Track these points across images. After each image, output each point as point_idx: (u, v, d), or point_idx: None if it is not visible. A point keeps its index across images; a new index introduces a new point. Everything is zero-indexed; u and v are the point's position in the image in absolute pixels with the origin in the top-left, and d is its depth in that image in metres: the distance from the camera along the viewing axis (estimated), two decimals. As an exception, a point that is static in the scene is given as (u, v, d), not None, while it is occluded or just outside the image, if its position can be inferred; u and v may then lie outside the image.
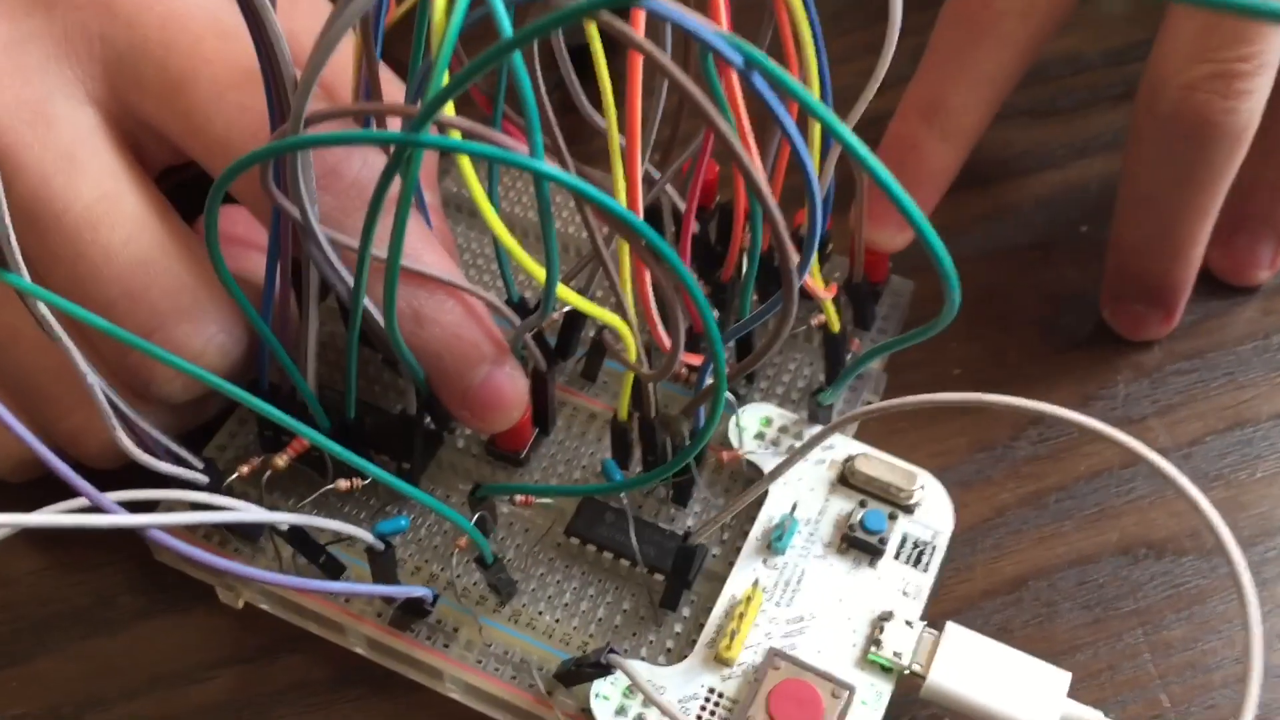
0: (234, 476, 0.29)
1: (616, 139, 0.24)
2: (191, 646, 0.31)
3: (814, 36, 0.26)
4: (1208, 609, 0.31)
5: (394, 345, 0.26)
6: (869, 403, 0.33)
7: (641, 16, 0.21)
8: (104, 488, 0.22)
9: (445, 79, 0.20)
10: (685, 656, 0.28)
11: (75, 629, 0.31)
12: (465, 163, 0.22)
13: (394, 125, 0.28)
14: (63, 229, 0.27)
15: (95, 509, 0.22)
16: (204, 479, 0.28)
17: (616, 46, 0.22)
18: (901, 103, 0.33)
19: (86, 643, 0.31)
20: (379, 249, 0.24)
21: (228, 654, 0.31)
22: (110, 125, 0.28)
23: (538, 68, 0.25)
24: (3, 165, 0.27)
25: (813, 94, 0.21)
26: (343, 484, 0.29)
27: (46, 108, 0.28)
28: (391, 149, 0.22)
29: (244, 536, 0.31)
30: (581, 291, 0.31)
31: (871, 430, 0.33)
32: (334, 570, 0.30)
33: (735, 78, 0.23)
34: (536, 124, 0.19)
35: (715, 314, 0.31)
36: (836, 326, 0.31)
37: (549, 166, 0.19)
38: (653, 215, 0.34)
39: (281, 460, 0.29)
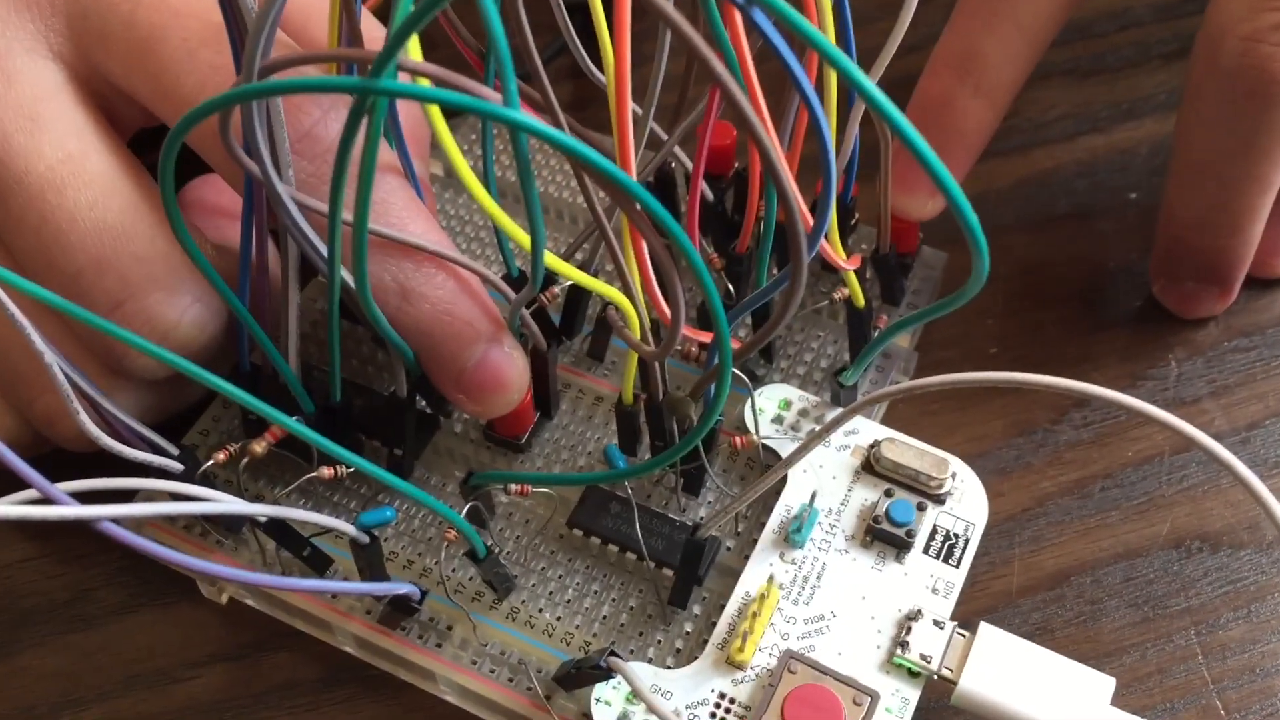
0: (209, 463, 0.27)
1: (615, 97, 0.22)
2: (174, 643, 0.29)
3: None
4: (1267, 607, 0.29)
5: (372, 320, 0.24)
6: (897, 383, 0.31)
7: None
8: (84, 475, 0.21)
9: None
10: (695, 658, 0.26)
11: (52, 624, 0.30)
12: (435, 112, 0.20)
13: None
14: (25, 192, 0.26)
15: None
16: (178, 466, 0.26)
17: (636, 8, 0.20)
18: (932, 57, 0.31)
19: (64, 639, 0.29)
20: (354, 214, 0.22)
21: (211, 651, 0.29)
22: (76, 83, 0.27)
23: (523, 18, 0.23)
24: None
25: (824, 34, 0.19)
26: (326, 471, 0.27)
27: (6, 63, 0.26)
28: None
29: (225, 527, 0.29)
30: (585, 265, 0.29)
31: (901, 413, 0.31)
32: (320, 564, 0.28)
33: (740, 21, 0.21)
34: (508, 65, 0.17)
35: (731, 288, 0.29)
36: (861, 301, 0.29)
37: (523, 115, 0.17)
38: (666, 184, 0.32)
39: (260, 446, 0.27)
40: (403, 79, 0.19)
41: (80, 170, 0.26)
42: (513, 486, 0.27)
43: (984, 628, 0.26)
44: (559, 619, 0.27)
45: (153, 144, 0.29)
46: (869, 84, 0.17)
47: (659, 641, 0.27)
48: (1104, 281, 0.34)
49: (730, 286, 0.30)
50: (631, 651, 0.27)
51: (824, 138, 0.19)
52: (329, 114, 0.25)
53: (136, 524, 0.29)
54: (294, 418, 0.25)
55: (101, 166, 0.26)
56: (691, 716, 0.25)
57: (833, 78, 0.25)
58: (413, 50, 0.19)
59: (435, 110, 0.20)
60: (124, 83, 0.26)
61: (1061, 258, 0.34)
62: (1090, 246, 0.35)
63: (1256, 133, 0.28)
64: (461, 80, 0.18)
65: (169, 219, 0.23)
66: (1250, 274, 0.32)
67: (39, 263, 0.26)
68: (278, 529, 0.27)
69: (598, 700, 0.25)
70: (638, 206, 0.20)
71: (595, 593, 0.28)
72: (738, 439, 0.28)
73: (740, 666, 0.26)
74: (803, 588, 0.27)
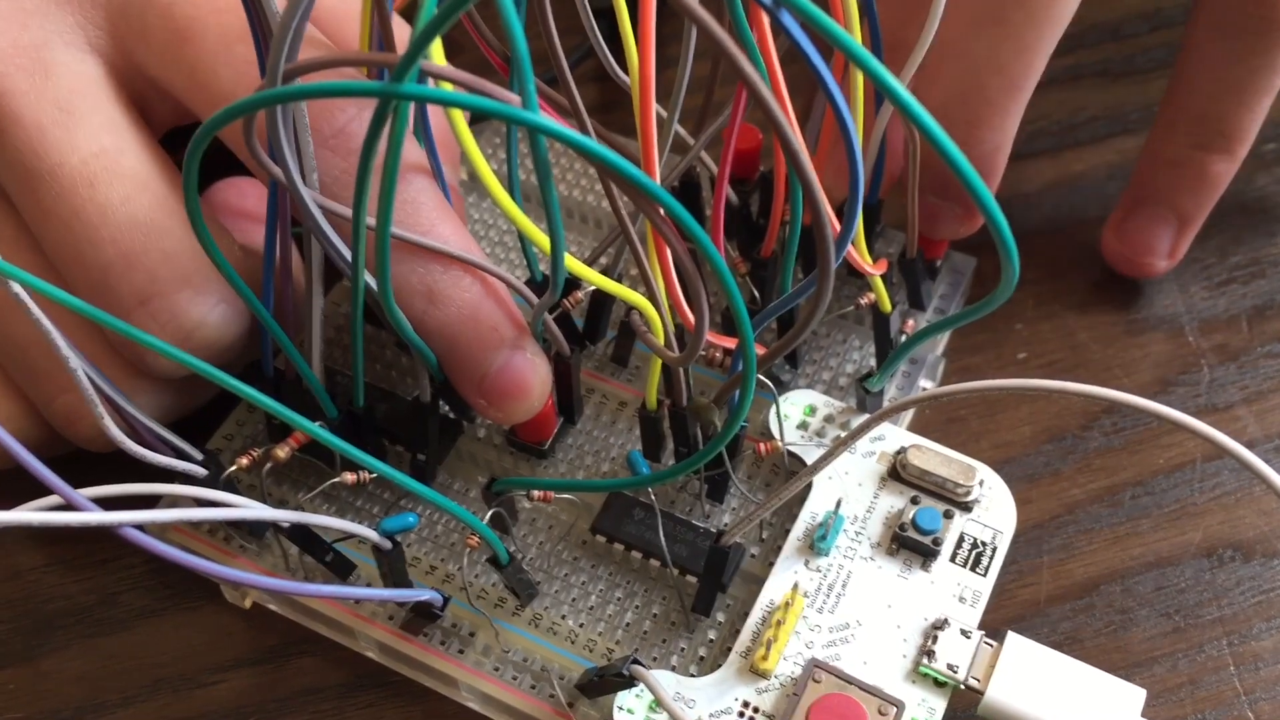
0: (233, 468, 0.27)
1: (639, 100, 0.21)
2: (198, 647, 0.29)
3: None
4: (1301, 618, 0.28)
5: (395, 324, 0.24)
6: (924, 389, 0.31)
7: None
8: (108, 478, 0.21)
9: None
10: (719, 666, 0.26)
11: (77, 628, 0.30)
12: (457, 116, 0.19)
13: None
14: (58, 184, 0.26)
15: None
16: (201, 471, 0.26)
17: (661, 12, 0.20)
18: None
19: (88, 643, 0.29)
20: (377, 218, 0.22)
21: (235, 656, 0.29)
22: (112, 78, 0.27)
23: (551, 23, 0.23)
24: None
25: (852, 36, 0.19)
26: (349, 477, 0.27)
27: (45, 55, 0.26)
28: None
29: (249, 532, 0.29)
30: (609, 269, 0.29)
31: (927, 419, 0.31)
32: (342, 569, 0.28)
33: (766, 23, 0.21)
34: (527, 67, 0.17)
35: (756, 293, 0.29)
36: (887, 306, 0.28)
37: (542, 118, 0.17)
38: (691, 188, 0.32)
39: (283, 452, 0.27)
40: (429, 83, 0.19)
41: (114, 165, 0.26)
42: (535, 493, 0.27)
43: (1011, 637, 0.25)
44: (582, 626, 0.27)
45: (182, 142, 0.29)
46: (898, 86, 0.17)
47: (682, 649, 0.27)
48: (1135, 286, 0.33)
49: (755, 291, 0.30)
50: (654, 659, 0.27)
51: (851, 141, 0.19)
52: (364, 111, 0.25)
53: (160, 529, 0.29)
54: (317, 423, 0.25)
55: (135, 162, 0.26)
56: (715, 725, 0.25)
57: (859, 79, 0.24)
58: (436, 54, 0.19)
59: (457, 114, 0.20)
60: (160, 74, 0.26)
61: (1092, 261, 0.34)
62: (1121, 250, 0.34)
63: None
64: (482, 84, 0.18)
65: (191, 220, 0.23)
66: (1124, 273, 0.33)
67: (68, 255, 0.26)
68: (301, 534, 0.27)
69: (620, 708, 0.25)
70: (661, 210, 0.20)
71: (618, 599, 0.28)
72: (762, 445, 0.28)
73: (764, 675, 0.25)
74: (828, 595, 0.26)
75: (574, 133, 0.17)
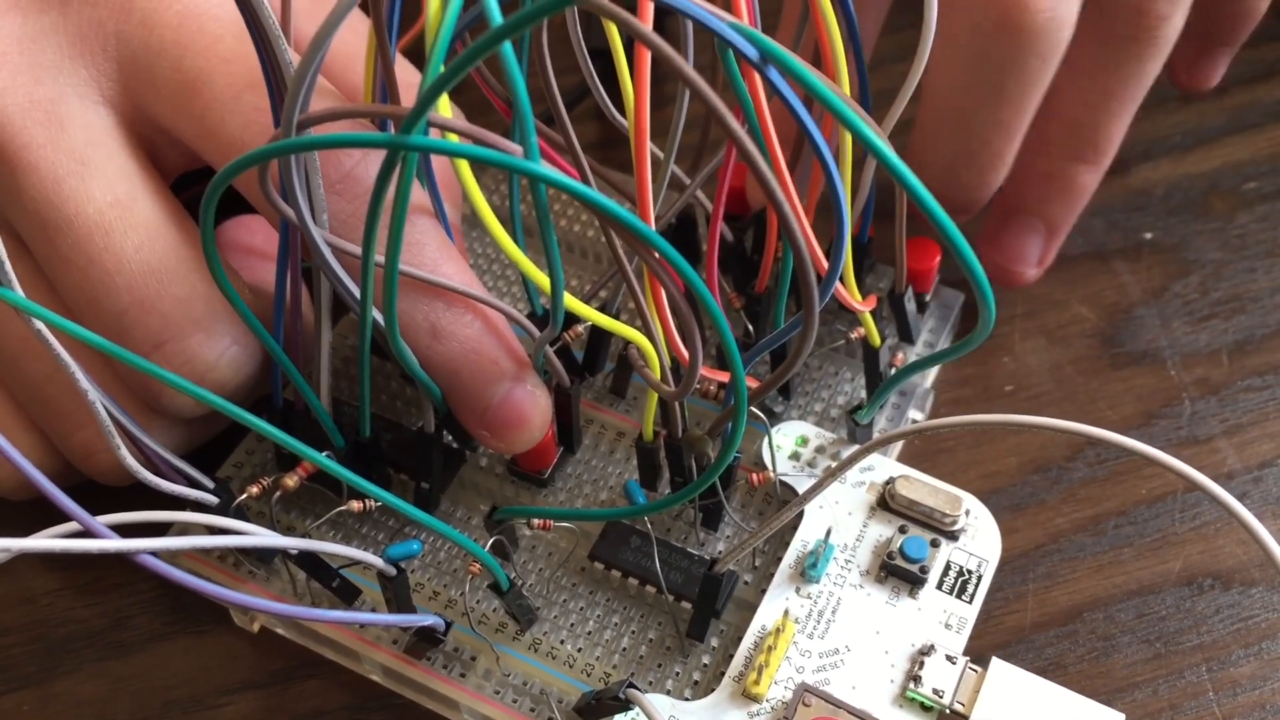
0: (243, 496, 0.27)
1: (636, 153, 0.22)
2: (207, 670, 0.30)
3: (852, 34, 0.24)
4: (1278, 645, 0.29)
5: (401, 358, 0.25)
6: (913, 421, 0.32)
7: (649, 10, 0.19)
8: (120, 506, 0.22)
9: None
10: (713, 690, 0.26)
11: (89, 651, 0.30)
12: (464, 166, 0.20)
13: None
14: (74, 234, 0.27)
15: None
16: (213, 500, 0.27)
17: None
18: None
19: (99, 665, 0.30)
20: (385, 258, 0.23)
21: (244, 679, 0.30)
22: (124, 128, 0.28)
23: (549, 67, 0.24)
24: (14, 167, 0.26)
25: (837, 92, 0.20)
26: (355, 505, 0.27)
27: (59, 108, 0.27)
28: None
29: (258, 558, 0.30)
30: (607, 304, 0.30)
31: (916, 449, 0.32)
32: (348, 594, 0.29)
33: (758, 78, 0.22)
34: (529, 119, 0.18)
35: (750, 327, 0.30)
36: (876, 341, 0.29)
37: (543, 169, 0.18)
38: (688, 225, 0.33)
39: (292, 480, 0.27)
40: (433, 134, 0.20)
41: (128, 214, 0.27)
42: (535, 521, 0.28)
43: (996, 663, 0.26)
44: (580, 650, 0.28)
45: (191, 183, 0.30)
46: (880, 143, 0.18)
47: (677, 673, 0.28)
48: (1119, 320, 0.34)
49: (749, 325, 0.31)
50: (650, 683, 0.28)
51: (837, 193, 0.20)
52: (369, 155, 0.26)
53: (172, 555, 0.30)
54: (325, 453, 0.25)
55: (148, 211, 0.27)
56: (708, 747, 0.26)
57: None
58: (442, 106, 0.20)
59: (464, 164, 0.21)
60: (170, 123, 0.27)
61: (1077, 297, 0.35)
62: (1106, 286, 0.35)
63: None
64: (486, 135, 0.19)
65: (208, 264, 0.24)
66: (997, 282, 0.33)
67: (84, 301, 0.27)
68: (308, 561, 0.28)
69: (617, 731, 0.26)
70: (656, 255, 0.21)
71: (615, 625, 0.28)
72: (755, 475, 0.29)
73: (756, 699, 0.26)
74: (818, 622, 0.27)
75: (575, 182, 0.18)
